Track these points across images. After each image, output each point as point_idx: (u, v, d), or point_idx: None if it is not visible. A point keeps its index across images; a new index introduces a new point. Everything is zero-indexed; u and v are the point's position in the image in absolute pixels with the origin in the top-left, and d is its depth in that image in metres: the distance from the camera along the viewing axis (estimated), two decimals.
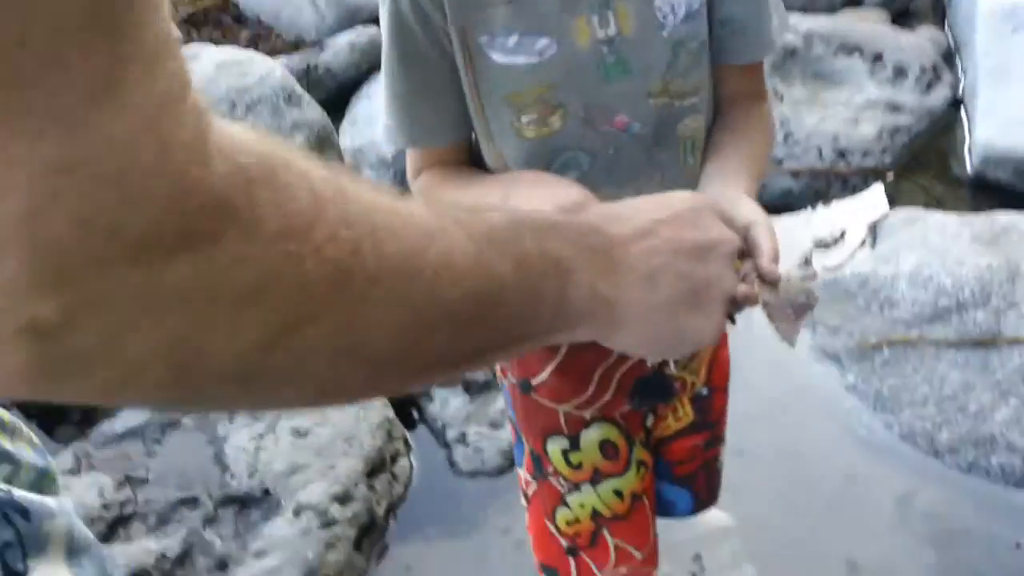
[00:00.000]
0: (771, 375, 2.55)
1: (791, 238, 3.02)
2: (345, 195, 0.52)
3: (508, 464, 2.42)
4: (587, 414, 1.46)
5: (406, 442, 2.61)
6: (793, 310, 1.00)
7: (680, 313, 0.80)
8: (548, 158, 1.20)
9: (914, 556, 2.17)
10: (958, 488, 2.29)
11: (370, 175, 3.29)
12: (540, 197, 1.10)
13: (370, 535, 2.36)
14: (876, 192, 3.24)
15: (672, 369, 1.42)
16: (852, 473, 2.36)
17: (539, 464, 1.52)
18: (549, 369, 1.41)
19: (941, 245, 2.68)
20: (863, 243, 2.99)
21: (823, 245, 2.99)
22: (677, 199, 0.86)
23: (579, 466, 1.50)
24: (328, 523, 2.26)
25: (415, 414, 2.69)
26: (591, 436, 1.48)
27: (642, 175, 1.23)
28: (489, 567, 2.28)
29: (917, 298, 2.56)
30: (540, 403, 1.45)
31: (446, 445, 2.57)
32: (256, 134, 0.50)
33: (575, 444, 1.48)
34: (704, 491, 1.76)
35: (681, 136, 1.24)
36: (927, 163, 3.34)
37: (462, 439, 2.55)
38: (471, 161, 1.29)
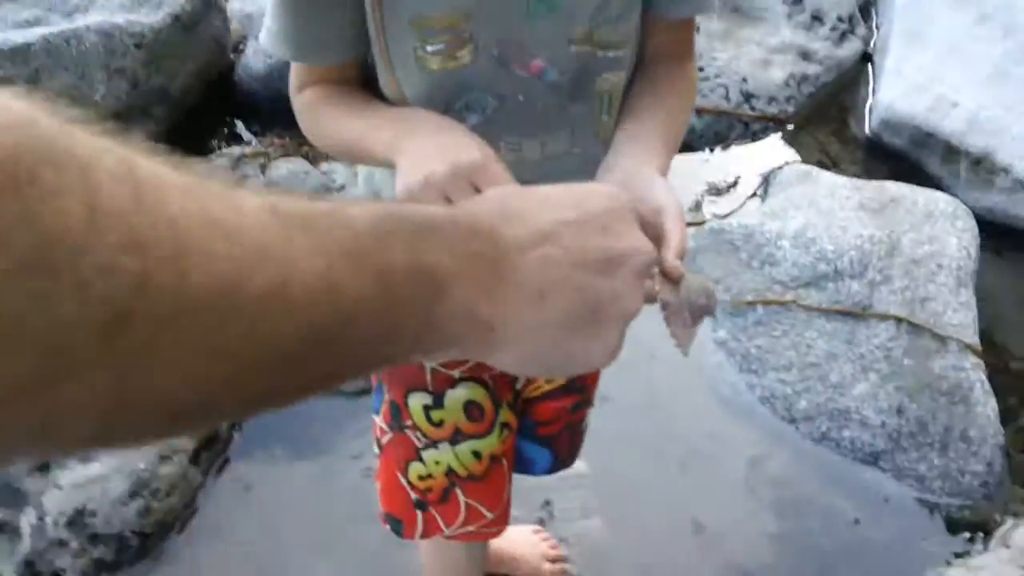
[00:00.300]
0: (643, 321, 2.51)
1: (685, 180, 2.97)
2: (141, 202, 0.39)
3: (368, 386, 2.34)
4: (456, 373, 1.38)
5: None
6: (691, 313, 0.92)
7: (571, 335, 0.68)
8: (450, 95, 1.08)
9: (757, 522, 2.20)
10: (808, 458, 2.33)
11: (256, 48, 3.07)
12: (434, 150, 0.97)
13: (210, 448, 2.27)
14: (774, 142, 3.21)
15: None
16: (710, 432, 2.38)
17: (397, 415, 1.44)
18: None
19: (829, 208, 2.67)
20: (754, 194, 2.96)
21: (715, 191, 2.95)
22: (593, 195, 0.72)
23: (440, 424, 1.43)
24: None
25: None
26: (457, 395, 1.40)
27: (551, 128, 1.13)
28: (334, 494, 2.22)
29: (798, 260, 2.55)
30: None
31: None
32: (18, 100, 0.37)
33: (439, 402, 1.41)
34: (565, 451, 1.72)
35: (599, 90, 1.12)
36: (828, 118, 3.31)
37: None
38: (364, 83, 1.15)
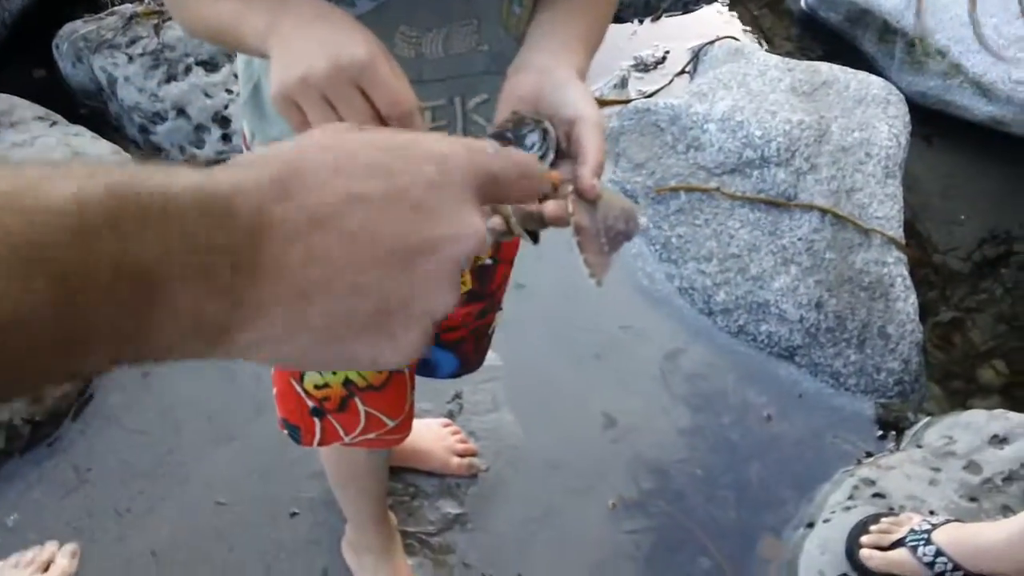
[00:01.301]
0: None
1: (611, 54, 2.83)
2: None
3: None
4: None
5: None
6: (608, 240, 0.80)
7: (348, 338, 0.55)
8: None
9: (669, 416, 2.17)
10: (723, 351, 2.29)
11: None
12: (314, 43, 0.83)
13: None
14: (706, 14, 3.07)
15: None
16: (626, 324, 2.32)
17: None
18: None
19: (759, 89, 2.56)
20: (683, 71, 2.84)
21: (642, 67, 2.82)
22: (420, 159, 0.56)
23: None
24: None
25: None
26: None
27: (454, 18, 0.99)
28: (235, 383, 2.13)
29: (724, 145, 2.45)
30: None
31: None
32: None
33: None
34: (471, 356, 1.64)
35: None
36: None
37: None
38: None
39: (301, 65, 0.81)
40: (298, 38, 0.85)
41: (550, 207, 0.81)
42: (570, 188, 0.80)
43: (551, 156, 0.84)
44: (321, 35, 0.84)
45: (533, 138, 0.84)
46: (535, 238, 0.82)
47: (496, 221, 0.83)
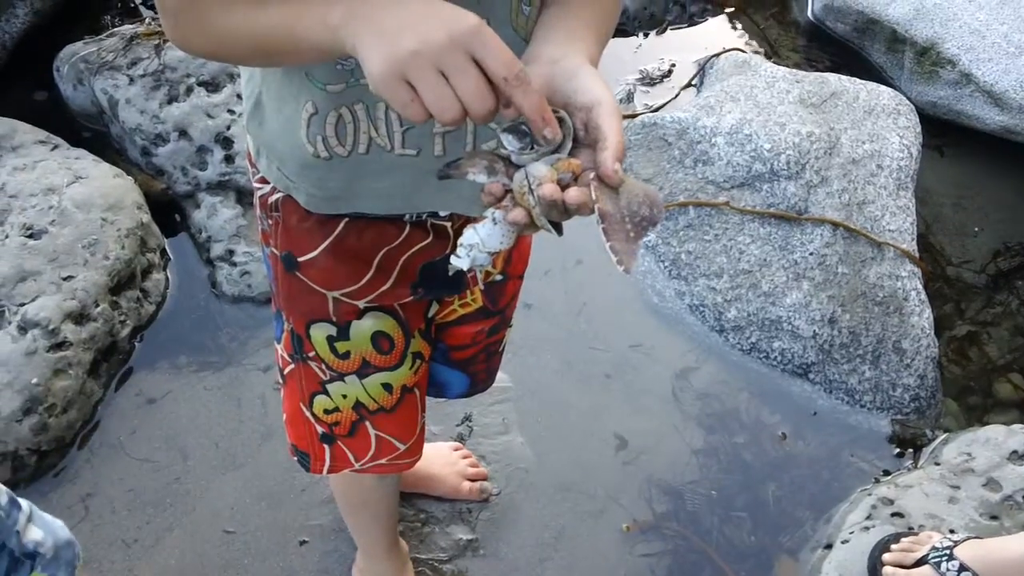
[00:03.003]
0: (572, 226, 2.39)
1: (617, 68, 2.81)
2: None
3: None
4: (361, 303, 1.25)
5: (163, 253, 2.33)
6: (632, 226, 0.79)
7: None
8: None
9: (682, 436, 2.14)
10: (736, 369, 2.26)
11: None
12: (415, 17, 0.81)
13: (109, 359, 2.12)
14: (712, 26, 3.04)
15: None
16: (636, 342, 2.29)
17: (299, 345, 1.31)
18: (321, 247, 1.18)
19: (767, 102, 2.53)
20: (689, 84, 2.81)
21: (648, 81, 2.79)
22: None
23: (346, 355, 1.30)
24: (58, 345, 2.00)
25: (177, 219, 2.40)
26: (363, 327, 1.28)
27: None
28: (243, 409, 2.10)
29: (732, 159, 2.42)
30: (307, 285, 1.22)
31: (209, 262, 2.31)
32: None
33: (344, 334, 1.28)
34: (482, 374, 1.62)
35: None
36: (768, 0, 3.14)
37: (228, 257, 2.29)
38: None
39: (411, 40, 0.79)
40: (391, 16, 0.82)
41: (572, 194, 0.80)
42: (592, 175, 0.80)
43: (568, 145, 0.83)
44: (418, 9, 0.82)
45: None
46: (559, 230, 0.83)
47: (519, 214, 0.82)
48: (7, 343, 1.97)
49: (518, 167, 0.83)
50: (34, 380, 1.95)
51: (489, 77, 0.79)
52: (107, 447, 2.05)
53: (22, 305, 2.02)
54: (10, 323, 2.00)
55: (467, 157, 0.86)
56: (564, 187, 0.81)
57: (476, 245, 0.85)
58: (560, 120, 0.83)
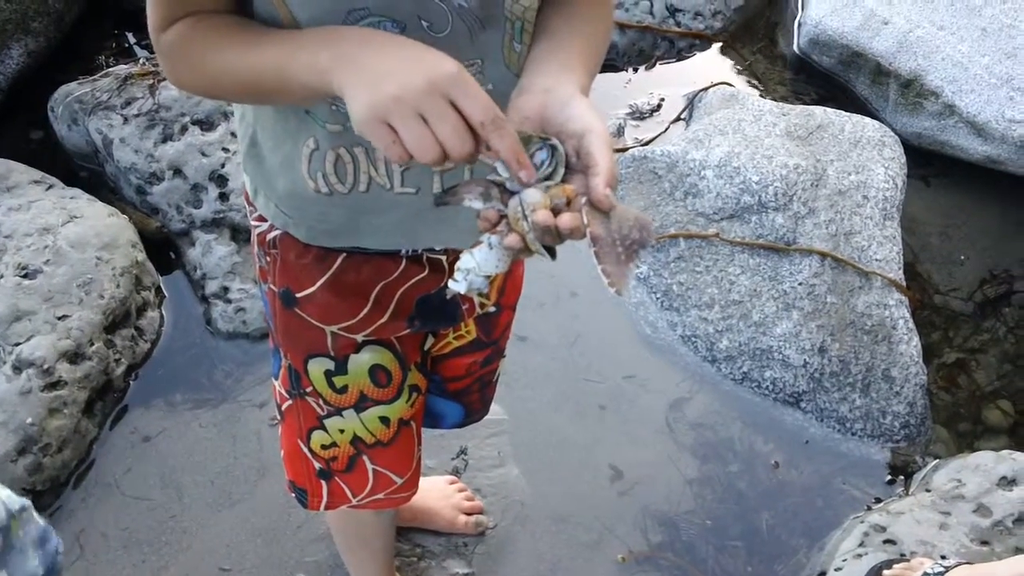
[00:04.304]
0: (564, 258, 2.41)
1: (607, 102, 2.84)
2: None
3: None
4: (359, 337, 1.26)
5: (158, 291, 2.35)
6: (624, 249, 0.83)
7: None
8: (343, 21, 0.93)
9: (677, 466, 2.15)
10: (728, 399, 2.28)
11: None
12: (395, 62, 0.84)
13: (104, 398, 2.13)
14: (700, 61, 3.08)
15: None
16: (629, 374, 2.30)
17: (296, 381, 1.33)
18: (320, 283, 1.20)
19: (754, 134, 2.57)
20: (678, 118, 2.85)
21: (638, 115, 2.83)
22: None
23: (344, 390, 1.32)
24: (53, 384, 2.00)
25: (172, 256, 2.41)
26: (361, 360, 1.29)
27: (459, 59, 0.97)
28: (238, 445, 2.11)
29: (722, 191, 2.45)
30: (305, 320, 1.24)
31: (204, 300, 2.32)
32: None
33: (342, 368, 1.30)
34: (477, 405, 1.63)
35: (510, 16, 0.99)
36: (755, 34, 3.19)
37: (223, 294, 2.31)
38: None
39: (391, 84, 0.83)
40: (373, 61, 0.86)
41: (565, 219, 0.82)
42: (583, 200, 0.83)
43: (561, 171, 0.86)
44: (401, 54, 0.86)
45: (542, 155, 0.86)
46: (552, 254, 0.85)
47: (514, 239, 0.85)
48: (2, 383, 1.98)
49: (512, 193, 0.86)
50: (29, 420, 1.95)
51: (467, 121, 0.82)
52: (102, 486, 2.05)
53: (17, 345, 2.03)
54: (5, 363, 2.01)
55: (463, 184, 0.89)
56: (557, 212, 0.84)
57: (472, 269, 0.88)
58: (553, 147, 0.86)
